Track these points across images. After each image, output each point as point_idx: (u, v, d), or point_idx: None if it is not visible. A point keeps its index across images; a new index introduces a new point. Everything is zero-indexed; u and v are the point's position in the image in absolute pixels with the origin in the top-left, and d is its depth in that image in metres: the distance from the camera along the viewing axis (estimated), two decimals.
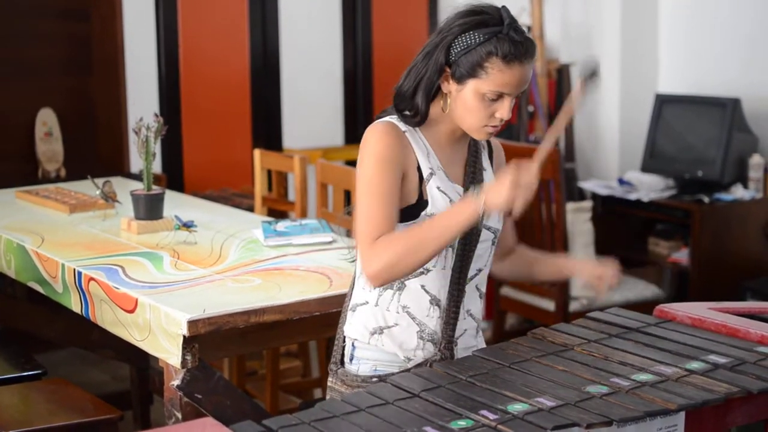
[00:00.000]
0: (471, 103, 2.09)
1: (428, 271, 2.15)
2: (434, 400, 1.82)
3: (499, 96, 2.08)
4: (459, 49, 2.06)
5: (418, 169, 2.12)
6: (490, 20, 2.06)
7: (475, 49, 2.05)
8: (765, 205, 4.63)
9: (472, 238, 2.16)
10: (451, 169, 2.18)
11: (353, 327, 2.21)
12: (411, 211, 2.11)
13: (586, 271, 2.30)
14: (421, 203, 2.12)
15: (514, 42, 2.04)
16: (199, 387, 2.50)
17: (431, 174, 2.13)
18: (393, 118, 2.15)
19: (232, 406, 2.55)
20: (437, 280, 2.15)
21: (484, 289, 2.25)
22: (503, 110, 2.09)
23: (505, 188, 1.97)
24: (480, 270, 2.22)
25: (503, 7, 2.10)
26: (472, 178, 2.20)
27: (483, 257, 2.21)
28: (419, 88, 2.11)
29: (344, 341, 2.24)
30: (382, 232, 2.05)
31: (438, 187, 2.13)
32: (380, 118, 2.18)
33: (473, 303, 2.23)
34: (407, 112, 2.14)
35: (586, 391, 1.85)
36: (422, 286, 2.16)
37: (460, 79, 2.08)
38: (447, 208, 2.11)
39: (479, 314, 2.26)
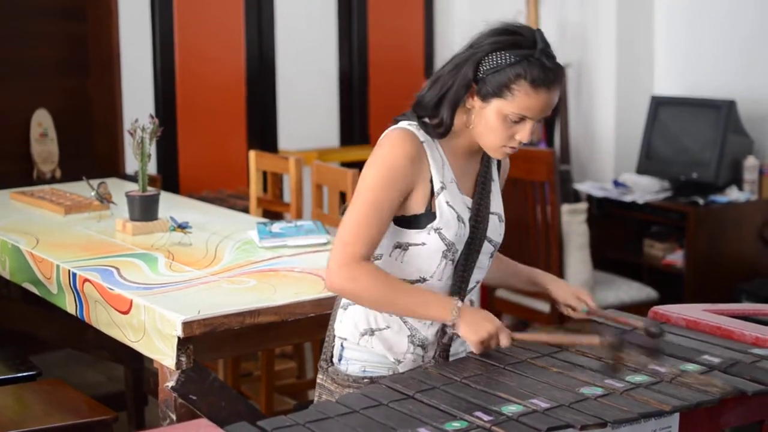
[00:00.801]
0: (492, 123, 2.06)
1: (425, 280, 2.13)
2: (429, 402, 1.82)
3: (522, 119, 2.06)
4: (488, 67, 2.04)
5: (431, 181, 2.10)
6: (524, 42, 2.04)
7: (503, 69, 2.02)
8: (760, 207, 4.63)
9: (474, 250, 2.15)
10: (464, 180, 2.17)
11: (344, 326, 2.20)
12: (418, 220, 2.10)
13: (562, 291, 2.32)
14: (429, 215, 2.10)
15: (544, 68, 2.02)
16: (194, 388, 2.50)
17: (442, 188, 2.10)
18: (413, 126, 2.12)
19: (226, 407, 2.55)
20: (433, 290, 2.14)
21: (475, 298, 2.25)
22: (524, 133, 2.07)
23: (482, 336, 2.01)
24: (478, 281, 2.22)
25: (538, 30, 2.07)
26: (482, 189, 2.19)
27: (482, 269, 2.21)
28: (444, 100, 2.08)
29: (335, 340, 2.23)
30: (365, 252, 2.05)
31: (447, 202, 2.10)
32: (398, 121, 2.15)
33: None
34: (428, 120, 2.11)
35: (581, 393, 1.85)
36: None
37: (485, 97, 2.06)
38: (454, 221, 2.10)
39: None
